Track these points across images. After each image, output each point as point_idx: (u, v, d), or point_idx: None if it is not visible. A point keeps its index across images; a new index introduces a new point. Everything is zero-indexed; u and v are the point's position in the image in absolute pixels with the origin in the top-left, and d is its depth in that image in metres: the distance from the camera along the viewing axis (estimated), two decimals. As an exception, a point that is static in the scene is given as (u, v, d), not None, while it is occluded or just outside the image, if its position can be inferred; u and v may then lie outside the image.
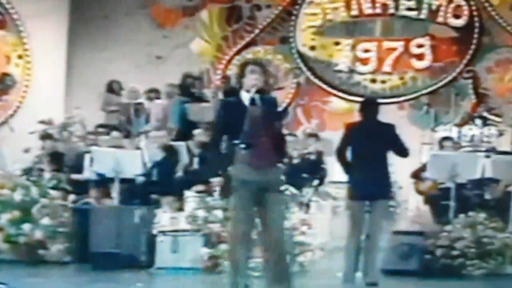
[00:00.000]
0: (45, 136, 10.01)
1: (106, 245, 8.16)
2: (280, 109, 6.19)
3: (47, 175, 8.81)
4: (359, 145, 7.18)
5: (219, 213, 8.14)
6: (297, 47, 13.37)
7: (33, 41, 12.93)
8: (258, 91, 5.66)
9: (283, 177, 5.81)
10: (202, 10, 13.82)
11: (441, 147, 9.33)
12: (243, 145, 5.44)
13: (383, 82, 12.97)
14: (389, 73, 12.94)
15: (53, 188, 8.64)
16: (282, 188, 5.77)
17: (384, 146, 7.16)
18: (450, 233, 7.83)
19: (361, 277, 6.98)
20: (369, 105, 7.47)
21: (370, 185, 6.98)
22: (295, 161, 9.99)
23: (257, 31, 13.57)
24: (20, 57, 12.81)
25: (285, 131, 6.16)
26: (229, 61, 13.57)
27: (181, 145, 9.81)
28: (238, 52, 13.59)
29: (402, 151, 7.21)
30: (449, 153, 8.80)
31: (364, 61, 13.09)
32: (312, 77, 13.27)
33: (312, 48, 13.36)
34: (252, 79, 5.68)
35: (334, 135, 12.62)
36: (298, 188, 9.00)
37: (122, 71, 13.22)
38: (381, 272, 7.75)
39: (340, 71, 13.19)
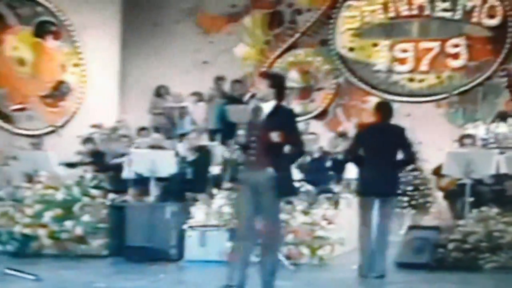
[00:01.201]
0: (87, 140, 10.73)
1: (140, 240, 8.77)
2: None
3: (88, 175, 9.50)
4: (370, 145, 7.61)
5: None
6: (336, 49, 13.80)
7: (87, 50, 13.70)
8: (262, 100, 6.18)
9: (273, 179, 6.06)
10: (246, 16, 14.39)
11: (461, 144, 9.61)
12: (237, 147, 5.97)
13: (421, 81, 13.26)
14: (426, 73, 13.24)
15: (94, 187, 9.32)
16: (273, 187, 6.09)
17: (394, 148, 7.55)
18: (463, 228, 8.14)
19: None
20: (384, 108, 7.86)
21: (378, 183, 7.40)
22: (324, 159, 10.35)
23: (298, 34, 14.06)
24: (75, 65, 13.57)
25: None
26: (271, 64, 14.11)
27: (214, 146, 10.37)
28: (280, 56, 14.13)
29: (409, 155, 7.60)
30: (464, 150, 9.09)
31: (402, 61, 13.41)
32: (351, 78, 13.70)
33: (351, 49, 13.75)
34: (260, 90, 6.22)
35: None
36: (324, 184, 9.46)
37: (170, 76, 13.90)
38: (394, 265, 8.21)
39: (378, 71, 13.54)
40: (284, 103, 6.40)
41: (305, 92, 13.98)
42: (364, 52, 13.70)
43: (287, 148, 6.16)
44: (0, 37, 12.95)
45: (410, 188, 12.07)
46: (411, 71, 13.32)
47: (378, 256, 7.42)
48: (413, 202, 12.05)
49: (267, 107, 6.15)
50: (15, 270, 6.95)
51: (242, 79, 13.35)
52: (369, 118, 13.27)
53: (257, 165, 6.07)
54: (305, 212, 8.74)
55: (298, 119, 13.24)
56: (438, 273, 7.80)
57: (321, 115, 13.76)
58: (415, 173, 12.03)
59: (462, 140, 9.77)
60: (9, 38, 13.03)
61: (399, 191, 7.85)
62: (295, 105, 13.90)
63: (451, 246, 8.04)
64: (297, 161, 6.50)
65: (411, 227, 8.59)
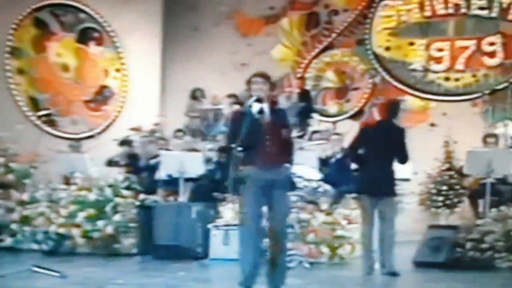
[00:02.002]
0: (123, 142, 11.12)
1: (167, 238, 9.11)
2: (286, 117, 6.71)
3: (120, 177, 9.88)
4: (371, 143, 7.74)
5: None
6: (372, 48, 13.91)
7: (129, 55, 14.11)
8: (259, 100, 6.39)
9: (288, 176, 6.40)
10: (283, 18, 14.62)
11: (485, 143, 9.62)
12: (240, 148, 6.18)
13: (457, 80, 13.25)
14: (462, 71, 13.22)
15: (126, 188, 9.70)
16: (287, 186, 6.36)
17: (393, 147, 7.66)
18: (481, 227, 8.19)
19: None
20: (390, 107, 7.98)
21: (379, 182, 7.53)
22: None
23: (334, 35, 14.22)
24: (117, 70, 14.00)
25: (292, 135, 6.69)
26: (307, 65, 14.32)
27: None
28: (316, 56, 14.31)
29: (402, 157, 7.68)
30: (484, 149, 9.11)
31: (438, 60, 13.42)
32: (387, 77, 13.77)
33: (387, 49, 13.83)
34: (256, 90, 6.43)
35: (408, 133, 13.24)
36: (347, 185, 9.59)
37: (209, 79, 14.20)
38: (412, 263, 8.33)
39: (414, 70, 13.58)
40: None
41: (341, 92, 14.13)
42: (400, 51, 13.75)
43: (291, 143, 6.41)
44: (44, 44, 13.44)
45: (444, 187, 12.15)
46: (447, 70, 13.33)
47: (385, 254, 7.55)
48: (447, 202, 12.10)
49: (266, 107, 6.35)
50: (41, 267, 7.32)
51: (276, 81, 13.57)
52: (407, 117, 13.58)
53: (269, 163, 6.26)
54: (327, 212, 8.93)
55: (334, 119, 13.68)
56: (452, 272, 7.86)
57: (357, 115, 13.87)
58: (450, 172, 12.10)
59: (485, 139, 9.77)
60: (53, 45, 13.52)
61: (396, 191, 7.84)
62: (331, 105, 14.17)
63: (468, 245, 8.09)
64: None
65: (431, 227, 8.67)
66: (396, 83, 13.70)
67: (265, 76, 6.58)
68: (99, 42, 13.99)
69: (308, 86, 14.15)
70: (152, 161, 10.54)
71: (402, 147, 7.67)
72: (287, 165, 6.35)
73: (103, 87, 13.84)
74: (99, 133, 13.47)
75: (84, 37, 13.84)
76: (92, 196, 9.52)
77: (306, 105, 12.83)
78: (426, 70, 13.51)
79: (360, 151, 7.86)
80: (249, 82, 6.57)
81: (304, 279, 7.38)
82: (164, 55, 14.58)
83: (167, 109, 14.18)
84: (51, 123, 13.25)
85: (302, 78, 14.02)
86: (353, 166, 8.43)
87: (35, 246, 9.55)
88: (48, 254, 9.33)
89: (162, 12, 14.56)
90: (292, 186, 6.63)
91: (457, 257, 8.10)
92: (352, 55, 14.09)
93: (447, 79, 13.34)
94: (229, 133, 6.69)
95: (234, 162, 6.43)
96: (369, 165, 7.71)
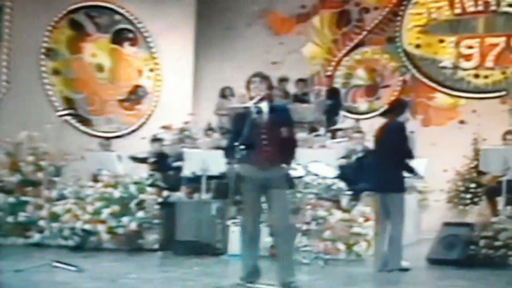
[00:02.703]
0: (154, 140, 11.39)
1: (188, 234, 9.34)
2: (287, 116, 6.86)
3: (144, 174, 10.16)
4: (378, 142, 7.85)
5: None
6: (403, 46, 13.95)
7: (162, 55, 14.40)
8: (260, 100, 6.55)
9: (285, 175, 6.56)
10: (314, 16, 14.75)
11: (504, 140, 9.58)
12: (241, 147, 6.35)
13: (486, 77, 13.21)
14: (491, 68, 13.16)
15: (150, 185, 9.96)
16: (284, 184, 6.51)
17: (395, 144, 7.75)
18: (496, 225, 8.19)
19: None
20: (396, 107, 8.07)
21: (383, 179, 7.63)
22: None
23: (365, 32, 14.30)
24: (151, 70, 14.31)
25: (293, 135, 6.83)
26: (338, 63, 14.43)
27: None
28: (347, 54, 14.40)
29: (405, 153, 7.76)
30: (499, 147, 9.09)
31: (468, 57, 13.41)
32: (417, 74, 13.78)
33: (417, 46, 13.86)
34: (255, 90, 6.60)
35: (438, 130, 13.26)
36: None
37: (241, 78, 14.14)
38: (426, 261, 8.39)
39: (444, 68, 13.60)
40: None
41: (371, 90, 14.18)
42: (431, 48, 13.77)
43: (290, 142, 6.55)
44: (80, 45, 13.81)
45: (472, 185, 12.12)
46: (476, 67, 13.30)
47: (390, 251, 7.62)
48: (475, 199, 12.07)
49: (265, 106, 6.51)
50: (60, 262, 7.61)
51: (306, 78, 13.72)
52: (437, 114, 13.58)
53: (266, 163, 6.42)
54: (344, 209, 9.04)
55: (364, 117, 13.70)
56: (464, 269, 7.90)
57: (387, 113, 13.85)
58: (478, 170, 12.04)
59: (505, 136, 9.74)
60: (88, 46, 13.88)
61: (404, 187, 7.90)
62: (361, 103, 14.22)
63: (482, 243, 8.11)
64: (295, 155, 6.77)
65: (445, 224, 8.70)
66: (426, 81, 13.71)
67: (263, 77, 6.76)
68: (134, 42, 14.29)
69: (337, 84, 14.26)
70: (176, 164, 10.72)
71: (402, 143, 7.74)
72: (284, 165, 6.49)
73: (137, 86, 14.14)
74: (132, 131, 13.77)
75: (119, 38, 14.15)
76: (117, 193, 9.78)
77: (334, 103, 12.95)
78: (455, 67, 13.50)
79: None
80: (248, 83, 6.75)
81: (316, 275, 7.53)
82: (197, 54, 14.84)
83: (199, 108, 14.44)
84: (86, 122, 13.60)
85: (330, 76, 14.13)
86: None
87: (62, 242, 9.85)
88: (74, 249, 9.62)
89: (196, 12, 14.82)
90: (291, 185, 6.74)
91: (470, 255, 8.14)
92: (383, 52, 14.16)
93: (476, 76, 13.32)
94: (230, 132, 6.88)
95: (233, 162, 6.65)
96: (377, 163, 7.83)
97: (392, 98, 13.87)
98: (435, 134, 13.19)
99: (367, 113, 14.01)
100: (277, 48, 14.80)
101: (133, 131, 13.88)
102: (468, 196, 12.14)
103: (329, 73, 14.29)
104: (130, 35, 14.24)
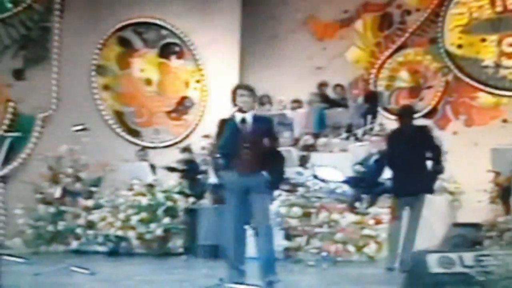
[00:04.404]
0: (184, 149, 11.83)
1: (209, 239, 9.71)
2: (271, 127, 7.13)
3: (171, 182, 10.61)
4: (396, 148, 7.98)
5: (298, 210, 9.30)
6: (445, 46, 13.86)
7: (208, 66, 14.77)
8: (243, 111, 6.84)
9: (264, 182, 6.79)
10: (357, 20, 14.85)
11: (522, 139, 9.47)
12: (220, 156, 6.67)
13: (529, 75, 13.00)
14: (534, 66, 12.94)
15: (178, 193, 10.41)
16: (265, 191, 6.77)
17: (419, 147, 7.85)
18: (502, 224, 8.15)
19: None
20: (404, 113, 8.18)
21: (407, 183, 7.75)
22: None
23: (407, 34, 14.29)
24: (197, 81, 14.69)
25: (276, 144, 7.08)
26: (381, 66, 14.46)
27: (289, 150, 11.00)
28: (390, 56, 14.42)
29: (435, 152, 7.84)
30: (509, 147, 8.98)
31: (510, 56, 13.23)
32: (459, 74, 13.67)
33: (459, 46, 13.75)
34: (240, 101, 6.90)
35: (481, 130, 13.11)
36: (382, 185, 9.74)
37: (286, 85, 14.66)
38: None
39: (486, 67, 13.42)
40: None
41: (414, 91, 14.14)
42: (473, 48, 13.63)
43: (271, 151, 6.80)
44: (129, 61, 14.39)
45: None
46: (519, 66, 13.09)
47: (405, 252, 7.72)
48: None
49: (249, 116, 6.79)
50: (76, 266, 8.13)
51: (342, 84, 13.85)
52: (479, 114, 13.43)
53: (246, 170, 6.71)
54: (357, 212, 9.19)
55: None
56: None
57: (430, 114, 13.83)
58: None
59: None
60: (137, 61, 14.45)
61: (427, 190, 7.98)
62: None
63: (487, 243, 8.07)
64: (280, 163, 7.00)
65: (454, 225, 8.67)
66: (468, 80, 13.57)
67: (248, 88, 7.05)
68: (180, 55, 14.76)
69: (381, 87, 14.32)
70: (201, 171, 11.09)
71: (431, 143, 7.91)
72: (264, 172, 6.74)
73: (184, 97, 14.57)
74: (180, 141, 14.25)
75: (166, 51, 14.66)
76: (145, 201, 10.28)
77: (372, 107, 13.03)
78: (497, 66, 13.31)
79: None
80: (234, 93, 7.04)
81: (322, 275, 7.74)
82: (242, 64, 15.16)
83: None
84: (135, 133, 14.18)
85: (368, 80, 14.20)
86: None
87: (98, 248, 10.42)
88: (107, 255, 10.18)
89: (240, 23, 15.15)
90: (270, 192, 6.99)
91: (475, 255, 8.09)
92: (425, 54, 14.11)
93: (519, 74, 13.11)
94: (216, 140, 7.19)
95: (216, 168, 6.98)
96: (398, 168, 7.98)
97: (435, 99, 13.88)
98: (478, 134, 13.05)
99: (410, 115, 13.94)
100: (321, 53, 14.95)
101: (180, 141, 14.34)
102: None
103: (366, 78, 14.34)
104: (177, 49, 14.72)
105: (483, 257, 5.07)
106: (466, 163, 11.69)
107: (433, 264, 5.29)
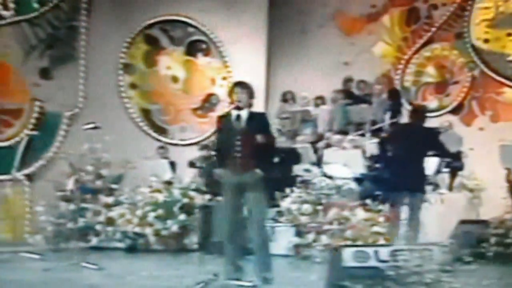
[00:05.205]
0: (203, 147, 11.94)
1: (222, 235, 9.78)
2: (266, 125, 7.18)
3: (187, 179, 10.74)
4: (402, 145, 7.97)
5: (308, 207, 9.33)
6: (471, 41, 13.67)
7: (235, 63, 14.82)
8: (239, 108, 6.92)
9: (260, 179, 6.86)
10: (385, 15, 14.75)
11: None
12: (215, 152, 6.78)
13: (555, 70, 12.75)
14: (561, 60, 12.68)
15: (194, 190, 10.54)
16: (260, 188, 6.83)
17: (422, 147, 7.82)
18: (509, 222, 8.05)
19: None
20: (416, 113, 8.17)
21: (407, 180, 7.73)
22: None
23: (434, 29, 14.14)
24: (224, 78, 14.76)
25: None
26: (408, 61, 14.33)
27: (305, 147, 11.03)
28: (417, 51, 14.28)
29: (443, 153, 7.81)
30: (514, 143, 8.87)
31: (536, 51, 12.99)
32: (486, 69, 13.47)
33: (486, 41, 13.56)
34: (236, 98, 6.97)
35: (507, 126, 12.90)
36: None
37: (312, 80, 14.65)
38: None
39: (512, 62, 13.22)
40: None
41: (441, 87, 13.99)
42: (499, 42, 13.45)
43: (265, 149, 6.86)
44: (155, 59, 14.55)
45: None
46: (545, 60, 12.85)
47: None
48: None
49: (244, 114, 6.86)
50: (86, 262, 8.33)
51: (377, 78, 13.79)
52: (505, 110, 13.22)
53: (240, 167, 6.79)
54: (367, 209, 9.16)
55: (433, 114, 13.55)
56: (473, 266, 7.79)
57: (456, 109, 13.67)
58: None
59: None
60: (164, 59, 14.59)
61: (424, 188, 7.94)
62: (431, 101, 14.05)
63: (493, 240, 8.01)
64: (271, 159, 7.06)
65: (462, 222, 8.61)
66: (494, 75, 13.37)
67: (244, 86, 7.13)
68: (207, 53, 14.84)
69: (408, 82, 14.21)
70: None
71: (438, 145, 7.93)
72: (258, 170, 6.79)
73: (210, 95, 14.66)
74: (206, 138, 14.37)
75: (192, 49, 14.76)
76: (161, 198, 10.43)
77: (395, 103, 12.95)
78: (524, 60, 13.09)
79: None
80: (231, 90, 7.13)
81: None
82: (269, 60, 15.20)
83: (272, 113, 14.79)
84: (162, 131, 14.36)
85: (390, 77, 14.10)
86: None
87: (117, 245, 10.61)
88: (126, 251, 10.38)
89: (267, 18, 15.18)
90: (265, 188, 7.03)
91: (481, 252, 8.04)
92: (452, 48, 13.94)
93: (545, 69, 12.87)
94: (215, 137, 7.30)
95: (213, 165, 7.08)
96: (399, 164, 7.98)
97: (461, 94, 13.70)
98: (504, 130, 12.81)
99: (437, 110, 13.82)
100: (348, 48, 14.87)
101: (207, 138, 14.45)
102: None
103: (389, 74, 14.24)
104: (203, 46, 14.82)
105: (398, 252, 5.17)
106: (491, 159, 11.52)
107: (348, 258, 5.58)
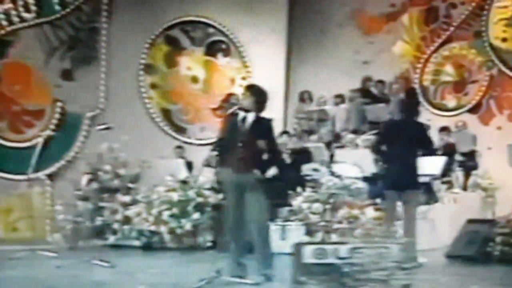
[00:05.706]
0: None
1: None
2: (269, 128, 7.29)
3: (202, 178, 10.89)
4: (394, 140, 8.01)
5: (319, 206, 9.43)
6: (489, 40, 13.66)
7: (254, 63, 15.01)
8: (246, 110, 7.05)
9: (258, 180, 6.98)
10: (404, 14, 14.78)
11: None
12: (215, 153, 6.92)
13: None
14: None
15: (208, 189, 10.69)
16: (259, 187, 6.96)
17: (415, 143, 7.86)
18: (513, 221, 8.08)
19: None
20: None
21: (401, 177, 7.77)
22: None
23: (452, 28, 14.14)
24: (243, 78, 14.94)
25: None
26: (427, 60, 14.36)
27: (319, 146, 11.11)
28: (436, 50, 14.30)
29: (428, 150, 7.84)
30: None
31: (554, 50, 12.93)
32: (504, 68, 13.43)
33: (504, 40, 13.57)
34: (243, 100, 7.13)
35: None
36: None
37: (332, 79, 14.76)
38: (445, 257, 8.40)
39: (530, 61, 13.17)
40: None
41: (459, 86, 13.99)
42: (517, 42, 13.39)
43: (266, 155, 6.98)
44: (176, 59, 14.76)
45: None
46: None
47: (408, 249, 7.74)
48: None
49: (250, 117, 6.99)
50: (99, 259, 8.52)
51: (385, 79, 13.83)
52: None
53: (239, 168, 6.93)
54: (377, 208, 9.24)
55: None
56: (478, 266, 7.85)
57: (474, 109, 13.65)
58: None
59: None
60: (184, 60, 14.80)
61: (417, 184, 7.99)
62: (450, 100, 14.04)
63: (498, 239, 8.02)
64: (274, 166, 7.16)
65: (469, 221, 8.63)
66: (512, 75, 13.36)
67: (254, 90, 7.26)
68: (227, 53, 15.03)
69: (427, 81, 14.23)
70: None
71: (426, 141, 7.93)
72: (256, 171, 6.92)
73: (230, 95, 14.81)
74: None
75: (212, 49, 14.96)
76: (176, 196, 10.60)
77: (411, 103, 12.94)
78: (542, 59, 13.04)
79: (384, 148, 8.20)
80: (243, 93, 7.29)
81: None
82: (289, 60, 15.33)
83: (291, 112, 14.91)
84: (182, 130, 14.55)
85: (407, 77, 14.13)
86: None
87: (134, 243, 10.81)
88: (141, 249, 10.57)
89: (287, 18, 15.30)
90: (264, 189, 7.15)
91: (487, 251, 8.06)
92: (470, 47, 13.96)
93: None
94: (222, 138, 7.43)
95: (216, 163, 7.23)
96: (393, 161, 8.02)
97: (479, 93, 13.67)
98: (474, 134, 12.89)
99: (455, 109, 13.83)
100: (367, 47, 14.98)
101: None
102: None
103: (406, 74, 14.26)
104: (223, 46, 15.00)
105: (357, 249, 5.28)
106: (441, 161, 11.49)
107: (308, 255, 5.83)
